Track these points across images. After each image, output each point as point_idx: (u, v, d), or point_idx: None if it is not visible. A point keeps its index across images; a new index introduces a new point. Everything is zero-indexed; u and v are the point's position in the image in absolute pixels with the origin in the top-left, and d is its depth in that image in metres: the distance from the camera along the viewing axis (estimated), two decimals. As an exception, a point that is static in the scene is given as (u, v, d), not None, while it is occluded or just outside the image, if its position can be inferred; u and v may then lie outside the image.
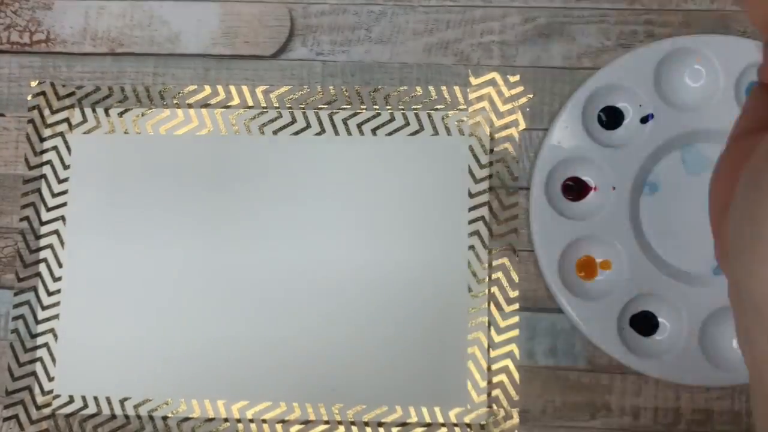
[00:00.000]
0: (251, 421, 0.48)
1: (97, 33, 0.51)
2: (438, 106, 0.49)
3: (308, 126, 0.50)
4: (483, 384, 0.47)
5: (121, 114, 0.50)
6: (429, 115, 0.49)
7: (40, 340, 0.49)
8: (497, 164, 0.49)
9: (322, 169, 0.49)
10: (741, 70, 0.47)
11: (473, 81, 0.50)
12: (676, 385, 0.47)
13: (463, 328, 0.48)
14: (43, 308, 0.49)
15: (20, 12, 0.52)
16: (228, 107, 0.50)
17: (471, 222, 0.48)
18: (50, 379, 0.48)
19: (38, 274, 0.49)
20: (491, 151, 0.49)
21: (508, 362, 0.48)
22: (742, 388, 0.47)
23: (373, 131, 0.49)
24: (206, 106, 0.50)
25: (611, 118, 0.49)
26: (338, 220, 0.49)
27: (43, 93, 0.51)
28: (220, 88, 0.50)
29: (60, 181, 0.50)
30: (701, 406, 0.47)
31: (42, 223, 0.50)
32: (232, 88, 0.50)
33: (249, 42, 0.51)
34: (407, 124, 0.49)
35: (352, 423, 0.47)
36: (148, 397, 0.48)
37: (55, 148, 0.50)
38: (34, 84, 0.51)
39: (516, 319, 0.48)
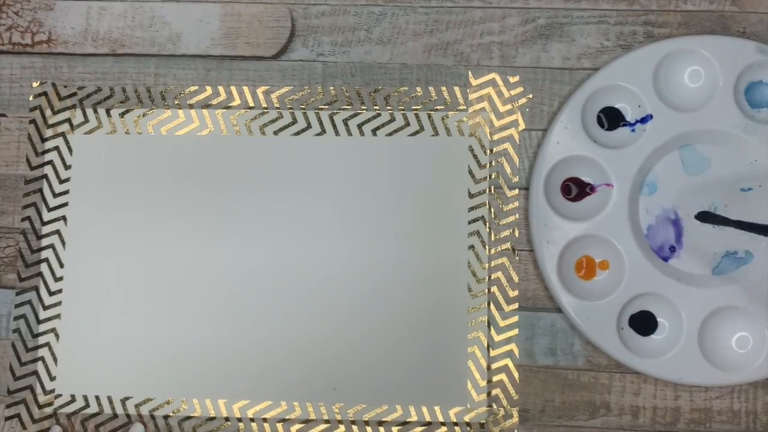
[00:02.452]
0: (252, 420, 0.48)
1: (99, 34, 0.51)
2: (438, 107, 0.50)
3: (309, 126, 0.50)
4: (483, 383, 0.48)
5: (122, 114, 0.50)
6: (429, 116, 0.49)
7: (41, 340, 0.49)
8: (497, 164, 0.49)
9: (323, 169, 0.49)
10: (740, 71, 0.48)
11: (473, 81, 0.50)
12: (675, 385, 0.47)
13: (463, 327, 0.48)
14: (45, 308, 0.49)
15: (22, 13, 0.52)
16: (229, 108, 0.50)
17: (471, 222, 0.49)
18: (52, 379, 0.49)
19: (40, 274, 0.49)
20: (491, 151, 0.49)
21: (508, 361, 0.48)
22: (740, 388, 0.47)
23: (374, 131, 0.50)
24: (207, 106, 0.50)
25: (611, 118, 0.49)
26: (339, 219, 0.49)
27: (45, 93, 0.51)
28: (221, 88, 0.50)
29: (61, 181, 0.50)
30: (700, 406, 0.47)
31: (43, 223, 0.50)
32: (233, 89, 0.50)
33: (250, 43, 0.51)
34: (407, 124, 0.49)
35: (353, 422, 0.48)
36: (150, 396, 0.48)
37: (56, 148, 0.50)
38: (35, 84, 0.51)
39: (515, 318, 0.48)
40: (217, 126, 0.50)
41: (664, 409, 0.47)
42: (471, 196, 0.49)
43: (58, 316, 0.49)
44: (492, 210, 0.49)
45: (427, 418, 0.47)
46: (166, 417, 0.48)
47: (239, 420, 0.48)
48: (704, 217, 0.46)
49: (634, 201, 0.48)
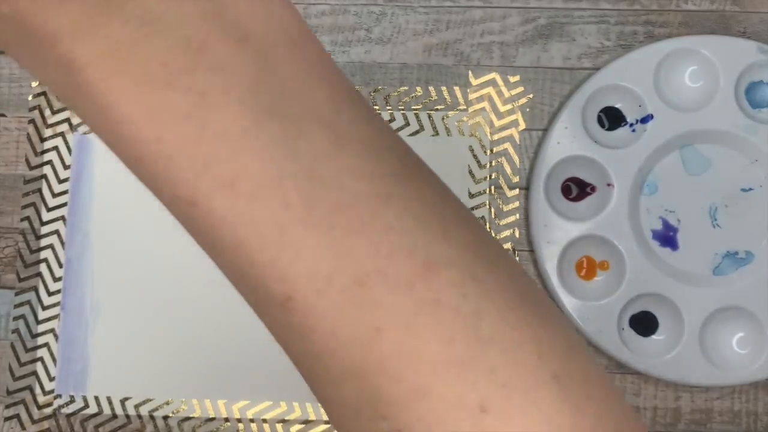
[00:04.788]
0: (252, 420, 0.48)
1: (98, 33, 0.51)
2: (438, 107, 0.49)
3: (308, 126, 0.50)
4: (483, 384, 0.47)
5: (121, 114, 0.50)
6: (429, 116, 0.49)
7: (40, 340, 0.49)
8: (497, 164, 0.49)
9: (323, 169, 0.49)
10: (741, 70, 0.48)
11: (473, 81, 0.50)
12: (676, 385, 0.47)
13: (463, 328, 0.48)
14: (44, 308, 0.49)
15: (21, 12, 0.52)
16: (228, 107, 0.50)
17: (471, 222, 0.48)
18: (51, 379, 0.49)
19: (39, 274, 0.49)
20: (491, 151, 0.49)
21: (508, 362, 0.48)
22: (741, 388, 0.47)
23: (374, 131, 0.49)
24: (207, 106, 0.50)
25: (611, 118, 0.49)
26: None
27: (44, 93, 0.51)
28: (220, 88, 0.50)
29: (60, 182, 0.50)
30: (701, 406, 0.47)
31: (42, 223, 0.50)
32: (233, 89, 0.50)
33: (249, 42, 0.51)
34: (407, 124, 0.49)
35: (353, 423, 0.47)
36: (149, 396, 0.48)
37: (55, 148, 0.50)
38: (34, 84, 0.51)
39: (516, 319, 0.48)
40: (217, 126, 0.50)
41: (664, 409, 0.47)
42: (471, 196, 0.49)
43: (57, 317, 0.49)
44: (492, 210, 0.49)
45: (427, 419, 0.47)
46: (165, 417, 0.48)
47: (239, 421, 0.48)
48: None
49: (634, 201, 0.48)
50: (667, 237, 0.48)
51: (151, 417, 0.48)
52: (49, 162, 0.50)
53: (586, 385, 0.21)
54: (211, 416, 0.48)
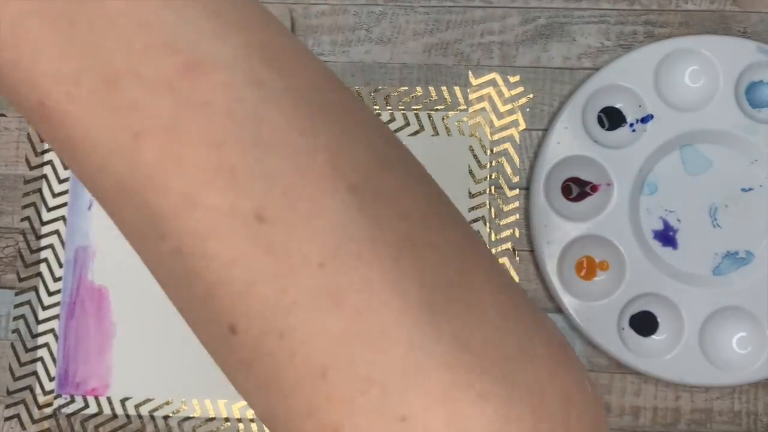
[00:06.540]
0: (252, 420, 0.48)
1: (98, 33, 0.51)
2: (438, 107, 0.50)
3: (308, 126, 0.50)
4: (483, 384, 0.47)
5: (121, 114, 0.50)
6: (429, 116, 0.49)
7: (40, 340, 0.49)
8: (497, 164, 0.49)
9: (323, 169, 0.49)
10: (741, 70, 0.48)
11: (473, 81, 0.50)
12: (676, 385, 0.47)
13: (463, 328, 0.48)
14: (44, 308, 0.49)
15: (21, 12, 0.52)
16: (228, 107, 0.50)
17: (471, 222, 0.49)
18: (51, 379, 0.49)
19: (39, 274, 0.49)
20: (491, 151, 0.49)
21: (508, 362, 0.48)
22: (741, 388, 0.47)
23: (374, 131, 0.49)
24: (207, 106, 0.50)
25: (611, 118, 0.49)
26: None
27: (44, 93, 0.51)
28: (220, 88, 0.50)
29: (61, 181, 0.50)
30: (701, 406, 0.47)
31: (43, 223, 0.50)
32: (233, 89, 0.50)
33: (249, 42, 0.51)
34: (408, 124, 0.49)
35: (353, 423, 0.47)
36: (149, 396, 0.48)
37: (55, 148, 0.50)
38: (35, 84, 0.51)
39: (516, 319, 0.48)
40: (217, 126, 0.50)
41: (664, 409, 0.47)
42: (471, 196, 0.49)
43: (57, 317, 0.49)
44: (492, 210, 0.49)
45: (428, 419, 0.47)
46: (165, 417, 0.48)
47: (239, 420, 0.48)
48: None
49: (634, 201, 0.48)
50: (667, 237, 0.48)
51: (152, 417, 0.48)
52: (50, 162, 0.50)
53: (396, 203, 0.19)
54: (211, 416, 0.48)
